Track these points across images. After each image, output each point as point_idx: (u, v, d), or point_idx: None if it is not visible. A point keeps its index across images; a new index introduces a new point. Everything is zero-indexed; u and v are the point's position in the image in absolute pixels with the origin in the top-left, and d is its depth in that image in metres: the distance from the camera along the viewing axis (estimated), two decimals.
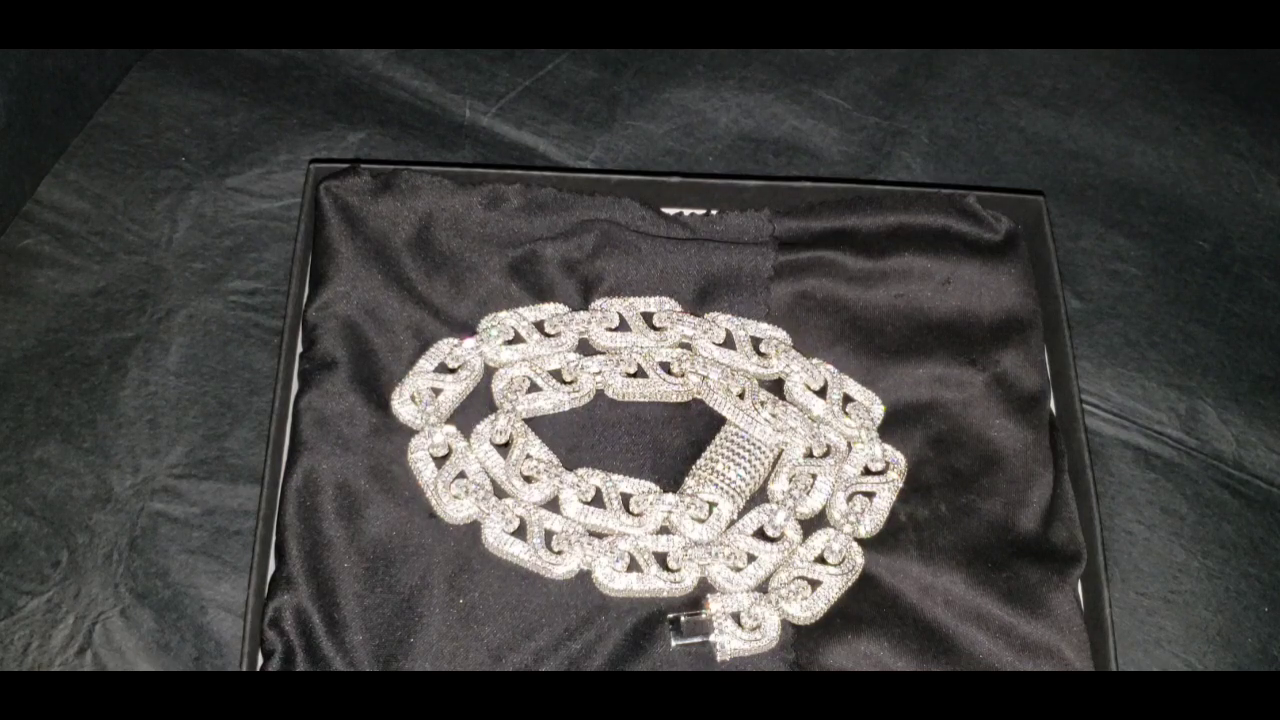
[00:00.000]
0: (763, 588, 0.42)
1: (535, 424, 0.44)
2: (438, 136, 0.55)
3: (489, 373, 0.45)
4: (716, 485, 0.42)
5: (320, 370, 0.44)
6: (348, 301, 0.45)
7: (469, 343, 0.44)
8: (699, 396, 0.44)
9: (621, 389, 0.44)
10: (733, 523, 0.42)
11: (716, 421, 0.44)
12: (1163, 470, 0.49)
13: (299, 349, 0.45)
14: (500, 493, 0.43)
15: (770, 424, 0.43)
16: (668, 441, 0.44)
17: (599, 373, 0.44)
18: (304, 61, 0.56)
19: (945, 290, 0.47)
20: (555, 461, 0.43)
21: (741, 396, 0.44)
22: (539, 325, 0.45)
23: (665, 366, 0.45)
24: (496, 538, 0.41)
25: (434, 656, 0.40)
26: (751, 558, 0.42)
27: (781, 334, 0.45)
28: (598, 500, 0.43)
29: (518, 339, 0.45)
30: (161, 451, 0.47)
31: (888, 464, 0.44)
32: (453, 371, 0.44)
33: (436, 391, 0.44)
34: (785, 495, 0.43)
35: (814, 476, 0.43)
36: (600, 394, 0.45)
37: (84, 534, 0.46)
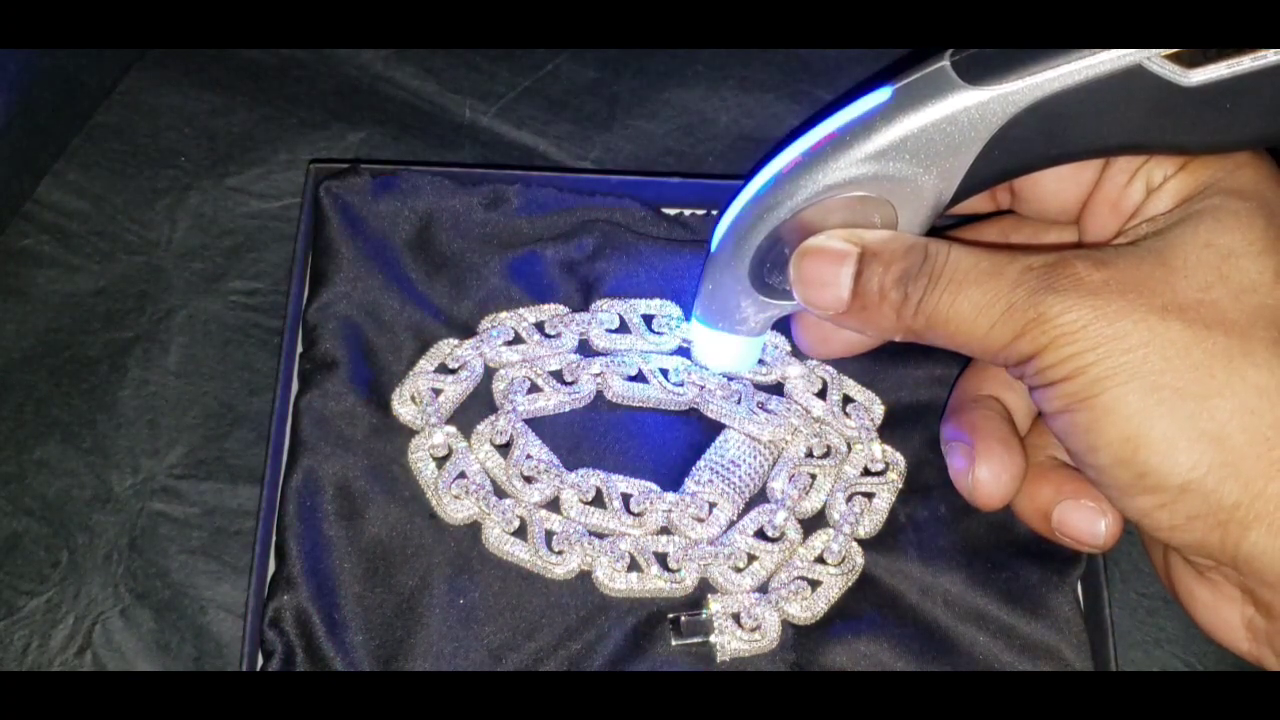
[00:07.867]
0: (763, 588, 0.42)
1: (535, 424, 0.44)
2: (438, 136, 0.55)
3: (489, 373, 0.45)
4: (717, 485, 0.42)
5: (320, 370, 0.44)
6: (348, 301, 0.45)
7: (469, 343, 0.44)
8: (695, 406, 0.44)
9: (620, 392, 0.44)
10: (733, 523, 0.42)
11: (717, 422, 0.44)
12: None
13: (299, 349, 0.45)
14: (500, 493, 0.43)
15: (769, 424, 0.44)
16: (668, 442, 0.44)
17: (599, 374, 0.44)
18: (304, 61, 0.56)
19: None
20: (555, 462, 0.43)
21: (739, 399, 0.44)
22: (539, 326, 0.45)
23: (665, 372, 0.45)
24: (497, 538, 0.42)
25: (434, 656, 0.40)
26: (752, 558, 0.42)
27: (780, 338, 0.45)
28: (598, 500, 0.43)
29: (518, 339, 0.45)
30: (161, 451, 0.47)
31: (887, 464, 0.44)
32: (453, 372, 0.44)
33: (437, 392, 0.44)
34: (784, 495, 0.43)
35: (813, 476, 0.43)
36: (600, 395, 0.45)
37: (84, 534, 0.46)
